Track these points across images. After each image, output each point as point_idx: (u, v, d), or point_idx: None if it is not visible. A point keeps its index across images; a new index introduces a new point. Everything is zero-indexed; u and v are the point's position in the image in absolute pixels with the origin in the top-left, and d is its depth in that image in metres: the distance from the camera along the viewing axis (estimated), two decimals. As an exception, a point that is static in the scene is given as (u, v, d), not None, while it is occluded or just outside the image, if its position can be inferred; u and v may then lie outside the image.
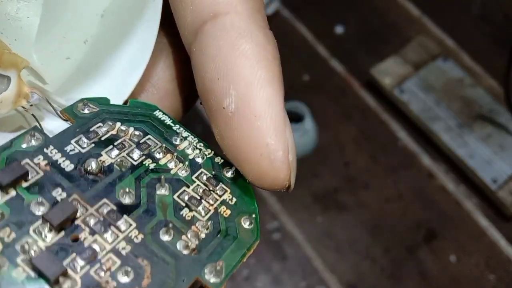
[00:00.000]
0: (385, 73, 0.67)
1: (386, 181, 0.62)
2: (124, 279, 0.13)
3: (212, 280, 0.14)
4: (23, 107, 0.16)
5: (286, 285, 0.55)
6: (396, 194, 0.61)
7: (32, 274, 0.12)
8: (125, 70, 0.17)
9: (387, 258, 0.57)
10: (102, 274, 0.13)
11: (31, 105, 0.16)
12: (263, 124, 0.14)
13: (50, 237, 0.13)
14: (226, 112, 0.14)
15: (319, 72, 0.70)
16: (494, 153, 0.62)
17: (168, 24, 0.17)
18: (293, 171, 0.15)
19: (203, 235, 0.15)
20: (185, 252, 0.14)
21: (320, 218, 0.59)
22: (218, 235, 0.15)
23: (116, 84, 0.17)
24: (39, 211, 0.13)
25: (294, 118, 0.63)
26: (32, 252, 0.13)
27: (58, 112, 0.16)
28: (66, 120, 0.16)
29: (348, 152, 0.64)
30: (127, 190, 0.15)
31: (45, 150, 0.15)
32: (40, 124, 0.15)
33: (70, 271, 0.13)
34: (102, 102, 0.17)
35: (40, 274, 0.12)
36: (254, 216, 0.16)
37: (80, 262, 0.13)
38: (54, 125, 0.16)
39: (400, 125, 0.66)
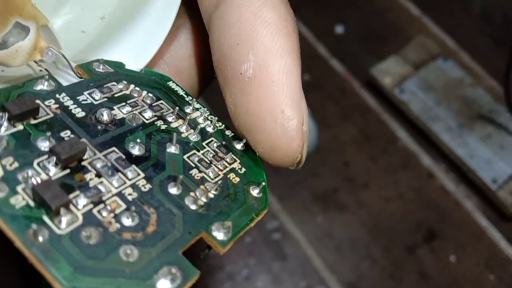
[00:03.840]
0: (385, 73, 0.67)
1: (386, 181, 0.62)
2: (128, 222, 0.12)
3: (219, 237, 0.13)
4: (36, 62, 0.15)
5: (286, 285, 0.55)
6: (396, 194, 0.61)
7: (32, 203, 0.12)
8: (139, 48, 0.17)
9: (387, 258, 0.57)
10: (105, 214, 0.12)
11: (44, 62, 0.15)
12: (279, 90, 0.14)
13: (54, 172, 0.12)
14: (243, 77, 0.14)
15: (319, 72, 0.69)
16: (494, 153, 0.61)
17: (190, 3, 0.17)
18: (306, 142, 0.14)
19: (211, 195, 0.14)
20: (193, 207, 0.14)
21: (320, 218, 0.59)
22: (227, 198, 0.14)
23: (128, 61, 0.17)
24: (46, 147, 0.13)
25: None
26: (34, 182, 0.12)
27: (73, 67, 0.16)
28: (80, 78, 0.16)
29: (348, 152, 0.64)
30: (138, 141, 0.14)
31: (57, 95, 0.14)
32: (53, 76, 0.15)
33: (72, 206, 0.12)
34: (117, 65, 0.16)
35: (41, 204, 0.12)
36: (263, 184, 0.16)
37: (83, 200, 0.12)
38: (67, 83, 0.16)
39: (400, 125, 0.66)
